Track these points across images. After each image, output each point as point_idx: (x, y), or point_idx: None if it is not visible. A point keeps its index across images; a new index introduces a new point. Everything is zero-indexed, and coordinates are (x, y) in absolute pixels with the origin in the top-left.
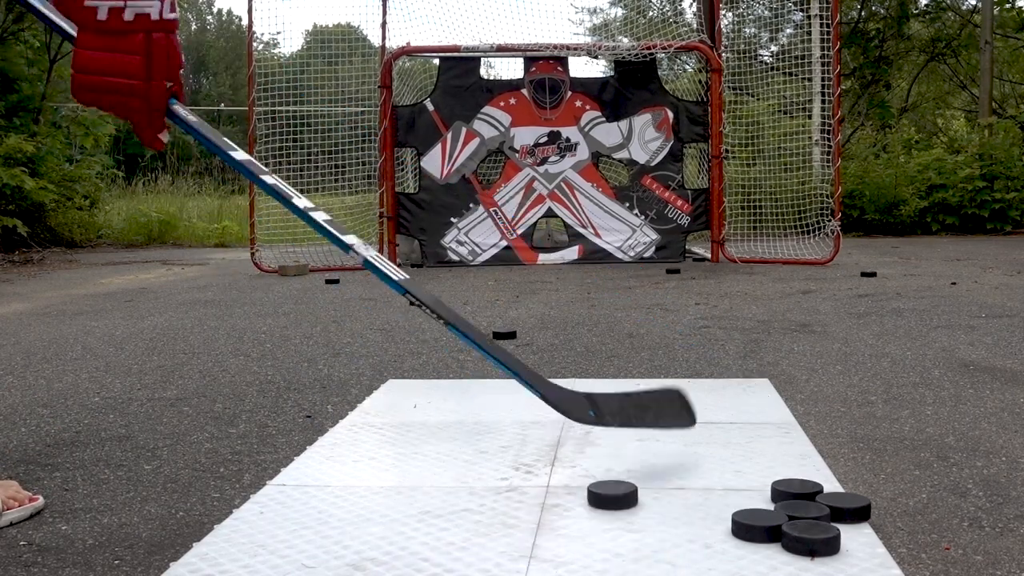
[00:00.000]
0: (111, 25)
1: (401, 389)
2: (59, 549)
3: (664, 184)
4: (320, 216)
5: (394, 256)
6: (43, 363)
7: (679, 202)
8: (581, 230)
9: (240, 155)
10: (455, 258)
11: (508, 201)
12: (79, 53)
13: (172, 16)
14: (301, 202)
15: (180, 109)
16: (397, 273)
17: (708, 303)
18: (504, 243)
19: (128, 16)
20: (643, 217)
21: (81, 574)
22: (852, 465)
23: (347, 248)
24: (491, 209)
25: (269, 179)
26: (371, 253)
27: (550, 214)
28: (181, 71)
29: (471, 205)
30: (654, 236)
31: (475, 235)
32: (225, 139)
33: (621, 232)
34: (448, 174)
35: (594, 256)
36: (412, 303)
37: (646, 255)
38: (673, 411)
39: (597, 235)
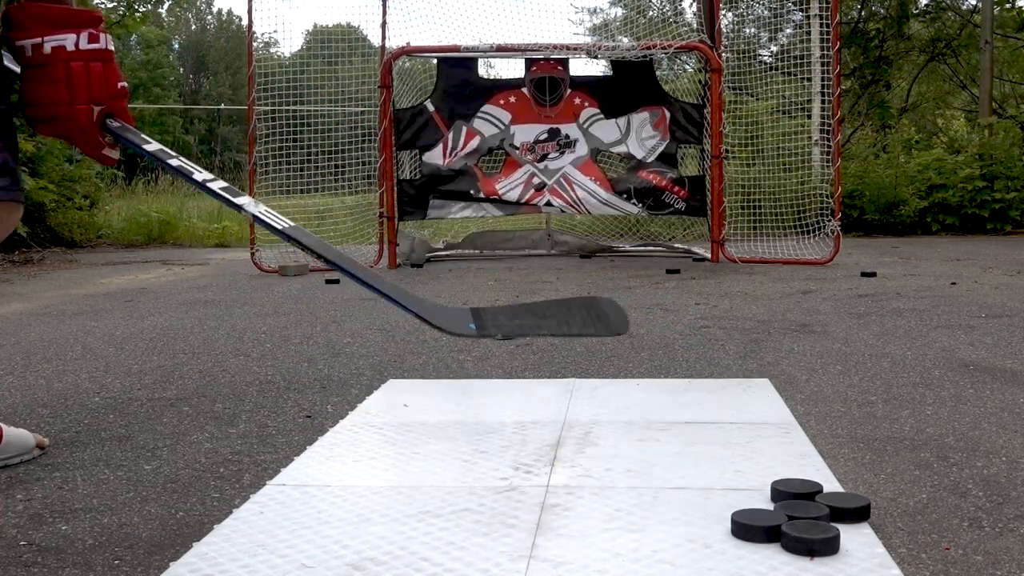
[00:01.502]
0: (35, 60)
1: (401, 389)
2: (59, 549)
3: (660, 175)
4: (216, 185)
5: (393, 256)
6: (43, 363)
7: (675, 188)
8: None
9: (152, 146)
10: (434, 215)
11: (508, 192)
12: (22, 90)
13: (92, 46)
14: (200, 175)
15: (113, 124)
16: (282, 222)
17: (708, 303)
18: (483, 195)
19: (47, 49)
20: (640, 205)
21: (81, 574)
22: (852, 465)
23: (239, 208)
24: (491, 197)
25: (174, 162)
26: (260, 209)
27: (548, 205)
28: (116, 93)
29: (472, 191)
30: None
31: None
32: (143, 136)
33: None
34: (451, 161)
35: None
36: (297, 246)
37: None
38: (586, 318)
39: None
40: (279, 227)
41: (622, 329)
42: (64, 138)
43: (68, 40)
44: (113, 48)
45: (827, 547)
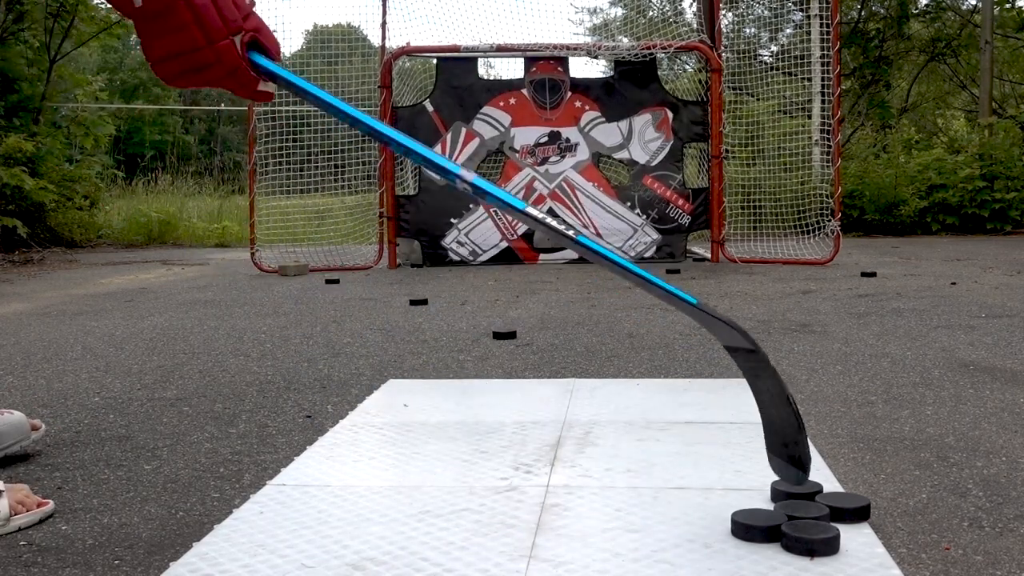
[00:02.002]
0: (151, 8)
1: (401, 389)
2: (59, 549)
3: (665, 184)
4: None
5: (393, 256)
6: (43, 363)
7: (680, 201)
8: (582, 230)
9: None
10: (456, 258)
11: None
12: (145, 47)
13: None
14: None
15: (263, 62)
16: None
17: (708, 303)
18: (505, 244)
19: None
20: (644, 217)
21: (81, 574)
22: (852, 465)
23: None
24: (491, 210)
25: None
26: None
27: (551, 214)
28: (248, 11)
29: (471, 205)
30: (655, 236)
31: (475, 236)
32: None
33: (622, 232)
34: None
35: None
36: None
37: (647, 255)
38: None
39: (598, 235)
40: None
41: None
42: (212, 85)
43: None
44: None
45: (827, 547)
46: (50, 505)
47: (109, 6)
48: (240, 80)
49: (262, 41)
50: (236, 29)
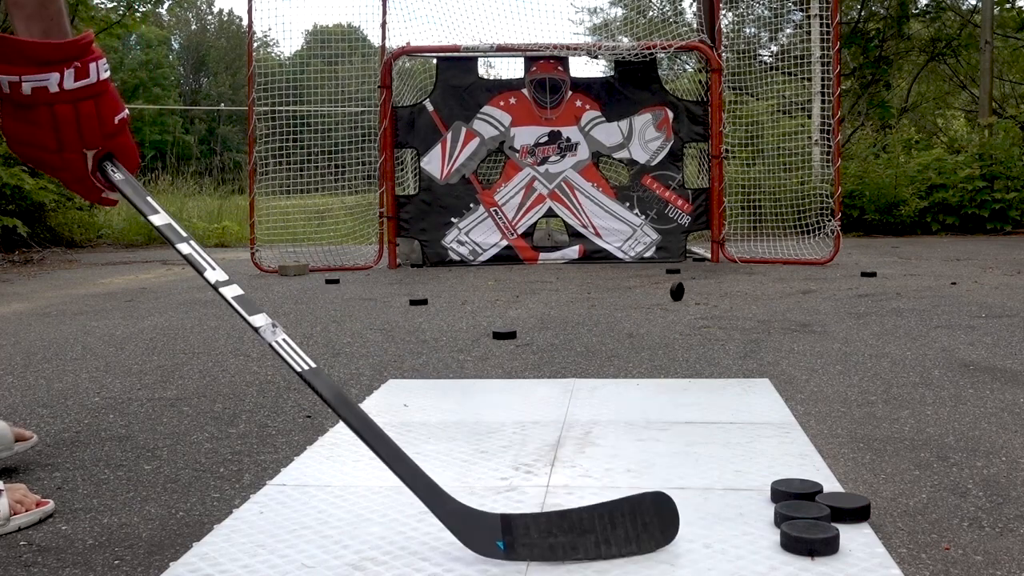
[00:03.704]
0: (15, 99)
1: (401, 389)
2: (59, 549)
3: (664, 184)
4: (230, 292)
5: (393, 256)
6: (43, 363)
7: (679, 201)
8: (581, 230)
9: (159, 219)
10: (456, 258)
11: (508, 201)
12: (3, 123)
13: (79, 84)
14: (213, 275)
15: (113, 173)
16: (301, 363)
17: (708, 303)
18: (505, 243)
19: (26, 90)
20: (643, 217)
21: (81, 574)
22: (852, 465)
23: (255, 330)
24: (491, 209)
25: (185, 247)
26: (279, 338)
27: (550, 214)
28: (112, 131)
29: (471, 205)
30: (654, 236)
31: (476, 235)
32: (149, 200)
33: (621, 232)
34: (448, 174)
35: (595, 256)
36: (313, 391)
37: (646, 255)
38: (630, 530)
39: (597, 235)
40: (297, 369)
41: (671, 534)
42: (57, 178)
43: (51, 80)
44: (107, 75)
45: (827, 547)
46: (50, 505)
47: (110, 5)
48: (85, 187)
49: (117, 153)
50: (92, 146)
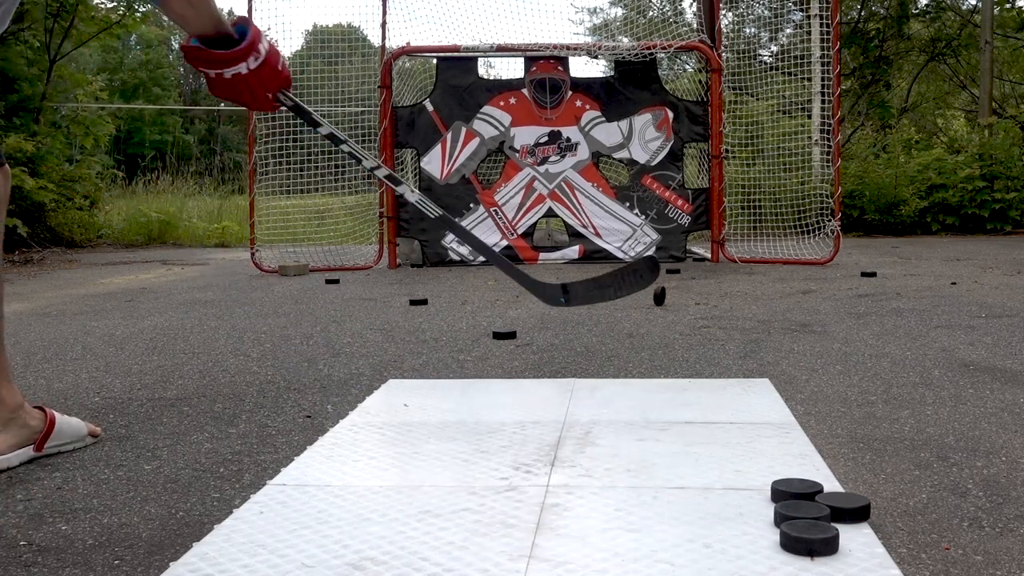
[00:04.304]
0: (220, 81)
1: (401, 389)
2: (59, 549)
3: (664, 184)
4: (382, 172)
5: (393, 256)
6: (43, 363)
7: (679, 202)
8: (581, 230)
9: (324, 130)
10: (456, 258)
11: (508, 201)
12: (212, 86)
13: (258, 63)
14: (369, 164)
15: (285, 100)
16: (435, 210)
17: (708, 303)
18: (505, 243)
19: (227, 75)
20: (643, 217)
21: (81, 574)
22: (852, 465)
23: (400, 195)
24: (491, 209)
25: (346, 148)
26: (415, 197)
27: (550, 214)
28: (283, 83)
29: (471, 205)
30: (654, 236)
31: (476, 235)
32: (314, 114)
33: (621, 232)
34: (448, 175)
35: (595, 256)
36: (451, 230)
37: (646, 255)
38: (633, 278)
39: (597, 235)
40: (432, 216)
41: (655, 275)
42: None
43: (242, 67)
44: (267, 46)
45: (827, 547)
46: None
47: (110, 5)
48: (268, 109)
49: (285, 89)
50: (273, 90)
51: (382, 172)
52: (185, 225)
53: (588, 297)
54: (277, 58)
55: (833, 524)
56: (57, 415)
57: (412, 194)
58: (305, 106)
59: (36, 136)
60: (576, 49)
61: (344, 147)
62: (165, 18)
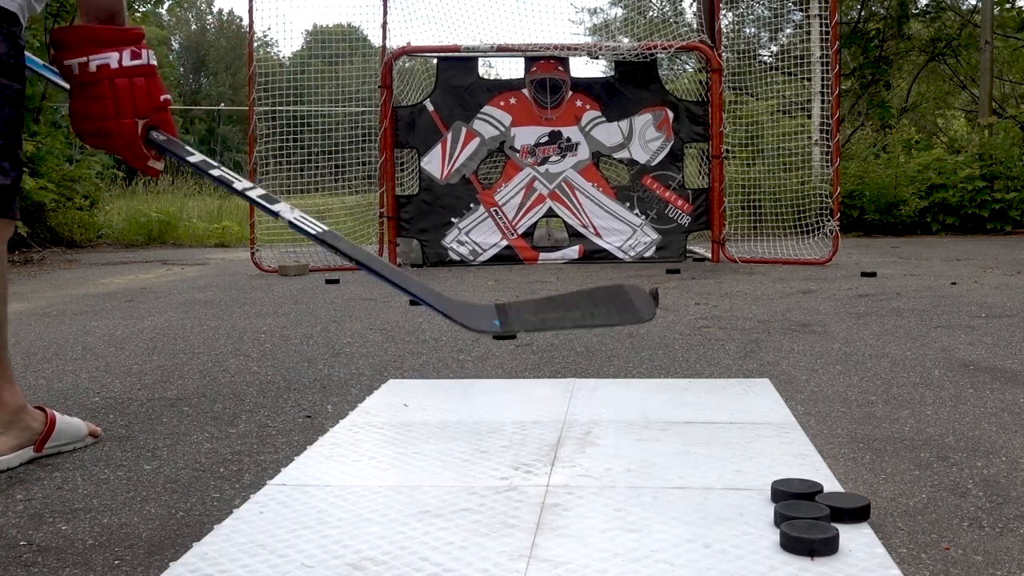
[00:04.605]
0: (82, 78)
1: (401, 389)
2: (59, 549)
3: (664, 184)
4: (255, 193)
5: (393, 256)
6: (43, 363)
7: (680, 202)
8: (581, 230)
9: (195, 158)
10: (456, 258)
11: (508, 201)
12: (70, 106)
13: (134, 63)
14: (240, 184)
15: (159, 137)
16: (316, 227)
17: (708, 303)
18: (505, 243)
19: (92, 68)
20: (644, 217)
21: (81, 574)
22: (852, 465)
23: (276, 215)
24: (491, 209)
25: (216, 172)
26: (295, 215)
27: (551, 214)
28: (159, 106)
29: (471, 205)
30: (655, 236)
31: (476, 235)
32: (188, 148)
33: (622, 232)
34: (448, 175)
35: (595, 256)
36: (331, 250)
37: (646, 255)
38: (611, 308)
39: (598, 235)
40: (313, 232)
41: (648, 315)
42: (110, 151)
43: (112, 58)
44: (155, 62)
45: (827, 547)
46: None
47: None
48: (134, 152)
49: (161, 127)
50: (142, 113)
51: (256, 193)
52: (185, 225)
53: (539, 322)
54: (156, 79)
55: (833, 524)
56: (58, 415)
57: (290, 212)
58: (178, 144)
59: (36, 136)
60: (576, 49)
61: (214, 172)
62: (165, 18)
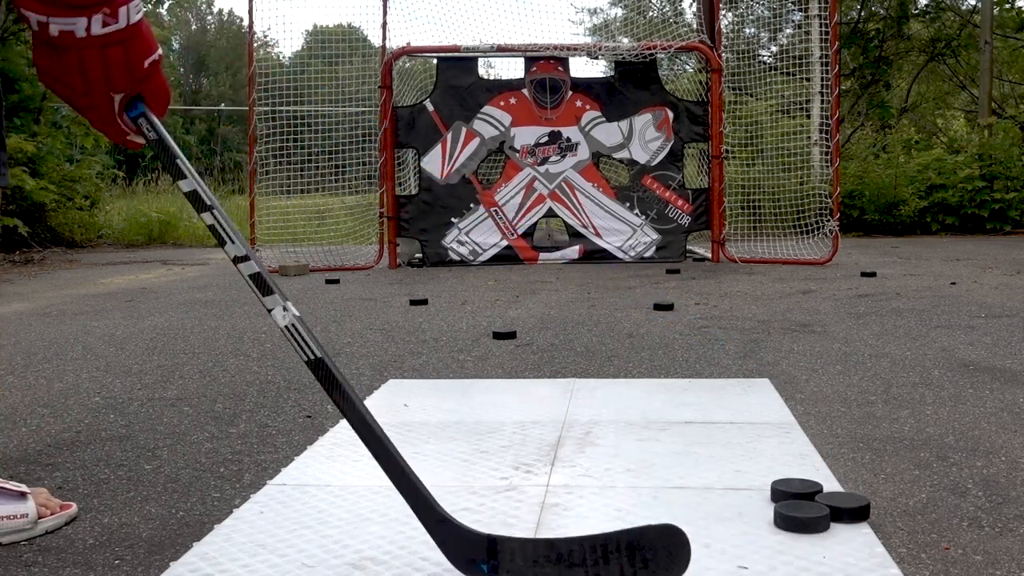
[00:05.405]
0: (43, 36)
1: (401, 389)
2: (59, 549)
3: (664, 184)
4: (246, 270)
5: (393, 256)
6: (43, 363)
7: (679, 202)
8: (582, 230)
9: (186, 186)
10: (456, 258)
11: (509, 201)
12: (33, 58)
13: (106, 30)
14: (233, 249)
15: (144, 121)
16: (308, 352)
17: (708, 303)
18: (505, 243)
19: (53, 32)
20: (644, 217)
21: (81, 574)
22: (852, 465)
23: (268, 311)
24: (491, 209)
25: (208, 217)
26: (287, 323)
27: (551, 214)
28: (141, 75)
29: (471, 205)
30: (654, 236)
31: (476, 235)
32: (173, 146)
33: (622, 232)
34: (448, 174)
35: (595, 256)
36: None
37: (646, 255)
38: (627, 567)
39: (598, 235)
40: (302, 358)
41: (680, 570)
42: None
43: (78, 25)
44: (139, 17)
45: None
46: (73, 508)
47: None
48: (111, 129)
49: (146, 95)
50: (119, 90)
51: (247, 268)
52: (185, 225)
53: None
54: (146, 42)
55: (833, 524)
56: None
57: (283, 318)
58: (160, 130)
59: (37, 136)
60: (576, 49)
61: (206, 216)
62: (165, 18)
